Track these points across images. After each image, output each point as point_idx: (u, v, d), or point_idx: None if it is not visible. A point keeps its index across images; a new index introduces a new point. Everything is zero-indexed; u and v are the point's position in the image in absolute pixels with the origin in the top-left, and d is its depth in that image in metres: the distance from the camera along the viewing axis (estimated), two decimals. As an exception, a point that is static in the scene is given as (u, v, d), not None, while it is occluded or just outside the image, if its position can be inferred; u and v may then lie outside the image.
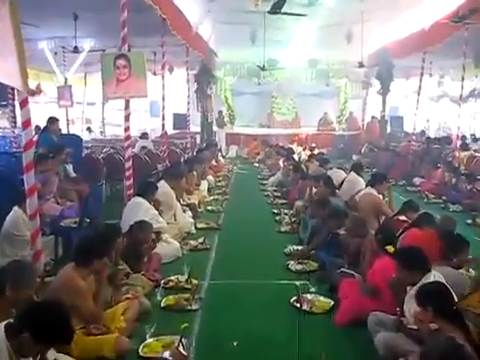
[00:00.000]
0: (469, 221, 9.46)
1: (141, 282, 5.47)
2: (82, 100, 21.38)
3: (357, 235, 5.71)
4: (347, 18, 16.18)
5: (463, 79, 12.73)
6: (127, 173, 8.39)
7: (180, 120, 18.21)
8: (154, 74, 17.85)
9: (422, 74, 15.40)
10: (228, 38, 17.79)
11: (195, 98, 19.57)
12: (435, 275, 4.08)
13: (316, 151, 16.11)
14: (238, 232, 8.67)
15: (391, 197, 7.89)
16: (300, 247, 7.38)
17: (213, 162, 15.74)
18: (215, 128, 21.37)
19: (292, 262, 6.72)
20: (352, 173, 9.72)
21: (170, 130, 20.14)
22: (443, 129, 23.41)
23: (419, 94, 15.65)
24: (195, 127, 19.74)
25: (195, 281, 5.78)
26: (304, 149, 17.68)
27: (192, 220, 8.73)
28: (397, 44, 16.68)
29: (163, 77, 11.85)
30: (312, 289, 5.70)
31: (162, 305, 5.33)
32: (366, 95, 22.75)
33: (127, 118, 8.26)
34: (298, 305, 5.24)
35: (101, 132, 22.47)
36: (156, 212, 6.84)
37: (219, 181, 13.89)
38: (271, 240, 8.16)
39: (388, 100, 19.48)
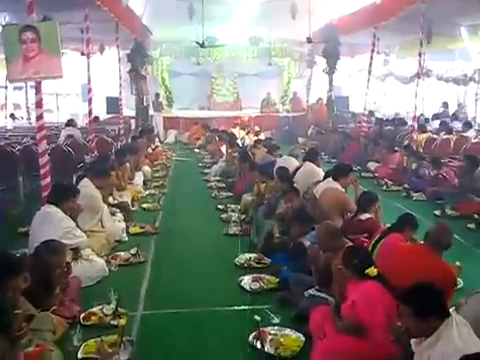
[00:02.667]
0: (437, 212, 8.51)
1: (51, 324, 4.10)
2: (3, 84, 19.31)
3: (329, 248, 4.54)
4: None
5: (421, 55, 11.76)
6: (42, 170, 6.94)
7: (114, 104, 16.63)
8: (82, 54, 16.10)
9: (373, 51, 14.40)
10: (163, 14, 16.23)
11: (129, 80, 17.99)
12: (457, 321, 2.94)
13: (262, 135, 14.88)
14: (179, 237, 7.35)
15: (357, 191, 6.74)
16: (253, 255, 6.17)
17: (149, 149, 14.30)
18: (152, 112, 19.81)
19: (246, 278, 5.50)
20: (307, 162, 8.56)
21: (103, 115, 18.61)
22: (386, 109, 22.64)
23: (370, 73, 14.73)
24: (131, 111, 18.21)
25: (123, 318, 4.43)
26: (248, 133, 16.43)
27: (123, 224, 7.35)
28: (345, 19, 15.64)
29: (88, 56, 10.32)
30: (275, 320, 4.49)
31: (79, 356, 4.00)
32: (311, 74, 21.68)
33: (39, 104, 6.79)
34: (259, 345, 4.05)
35: (28, 119, 20.45)
36: (72, 224, 5.41)
37: (156, 171, 12.50)
38: (218, 247, 6.91)
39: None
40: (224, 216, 8.20)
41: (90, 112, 10.37)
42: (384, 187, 10.55)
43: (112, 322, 4.48)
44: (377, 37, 14.45)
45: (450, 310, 3.11)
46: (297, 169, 8.82)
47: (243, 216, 8.06)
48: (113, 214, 7.27)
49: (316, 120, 19.02)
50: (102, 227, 6.68)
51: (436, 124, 13.99)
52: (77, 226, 5.60)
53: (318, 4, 15.80)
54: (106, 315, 4.59)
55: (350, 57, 20.61)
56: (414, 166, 10.59)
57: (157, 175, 11.98)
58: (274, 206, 6.77)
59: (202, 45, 13.09)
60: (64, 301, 4.57)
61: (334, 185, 6.65)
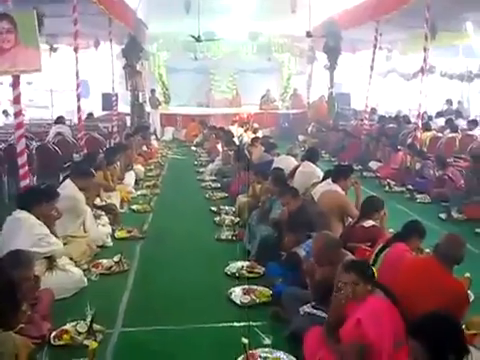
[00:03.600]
0: (443, 215, 8.05)
1: (12, 346, 3.62)
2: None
3: (327, 262, 4.07)
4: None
5: (425, 50, 11.23)
6: (21, 171, 6.51)
7: (110, 100, 16.16)
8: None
9: (376, 46, 13.90)
10: (159, 7, 15.74)
11: (124, 75, 17.52)
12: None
13: (260, 133, 14.39)
14: (167, 242, 6.85)
15: (359, 194, 6.26)
16: (246, 264, 5.70)
17: (144, 147, 13.84)
18: (148, 108, 19.32)
19: (237, 290, 5.03)
20: (306, 162, 8.10)
21: (99, 112, 18.17)
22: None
23: (372, 69, 14.21)
24: (127, 107, 17.76)
25: (97, 337, 3.97)
26: (246, 130, 15.95)
27: (109, 228, 6.88)
28: (347, 14, 15.12)
29: (77, 49, 9.83)
30: (266, 340, 4.03)
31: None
32: (311, 71, 21.18)
33: (17, 100, 6.35)
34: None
35: (23, 115, 19.86)
36: (45, 230, 4.91)
37: (150, 170, 12.05)
38: (208, 253, 6.41)
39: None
40: (217, 219, 7.74)
41: (79, 108, 9.89)
42: (386, 188, 10.08)
43: (85, 342, 4.02)
44: (379, 32, 13.93)
45: (470, 347, 2.63)
46: (295, 169, 8.38)
47: (237, 219, 7.61)
48: (98, 217, 6.81)
49: (316, 117, 18.53)
50: (84, 232, 6.23)
51: (440, 122, 13.50)
52: (53, 233, 5.12)
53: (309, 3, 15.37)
54: (79, 333, 4.13)
55: (351, 53, 20.09)
56: (418, 166, 10.11)
57: (150, 174, 11.53)
58: (268, 210, 6.30)
59: (198, 39, 12.63)
60: (33, 318, 4.10)
61: (333, 187, 6.18)
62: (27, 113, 21.05)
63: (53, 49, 18.05)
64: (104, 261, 5.79)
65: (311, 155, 8.27)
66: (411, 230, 4.59)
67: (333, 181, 6.25)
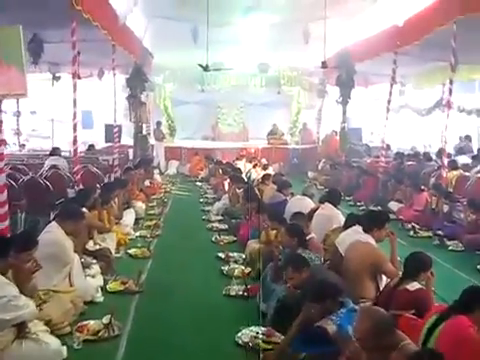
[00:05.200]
0: (480, 267, 7.09)
1: None
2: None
3: (378, 346, 3.09)
4: (305, 13, 13.73)
5: (452, 82, 10.38)
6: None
7: (113, 132, 15.39)
8: (78, 77, 14.97)
9: (394, 78, 13.12)
10: (166, 37, 15.07)
11: (129, 106, 16.81)
12: None
13: (270, 169, 13.48)
14: (167, 298, 5.86)
15: (394, 247, 5.30)
16: (261, 329, 4.72)
17: (147, 182, 12.96)
18: (152, 141, 18.56)
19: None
20: (327, 204, 7.18)
21: (102, 144, 17.42)
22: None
23: (389, 102, 13.40)
24: (131, 139, 17.03)
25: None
26: (254, 166, 15.07)
27: (100, 280, 5.93)
28: (361, 45, 14.38)
29: (74, 76, 9.05)
30: None
31: None
32: (321, 105, 20.43)
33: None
34: None
35: (23, 145, 19.17)
36: (13, 291, 3.94)
37: (152, 207, 11.15)
38: (216, 314, 5.41)
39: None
40: (225, 268, 6.76)
41: (75, 140, 9.00)
42: (411, 232, 9.12)
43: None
44: (392, 67, 13.16)
45: None
46: (313, 212, 7.46)
47: (248, 269, 6.65)
48: (87, 266, 5.84)
49: (327, 153, 17.74)
50: (70, 285, 5.28)
51: (463, 160, 12.57)
52: (29, 289, 4.18)
53: (330, 29, 14.63)
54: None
55: (364, 87, 19.35)
56: (446, 209, 9.17)
57: (152, 212, 10.63)
58: (282, 267, 5.31)
59: (206, 68, 11.86)
60: None
61: (365, 238, 5.22)
62: (29, 143, 20.54)
63: (56, 78, 17.51)
64: (91, 323, 4.80)
65: (332, 196, 7.37)
66: (474, 299, 3.63)
67: (365, 231, 5.29)
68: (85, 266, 5.77)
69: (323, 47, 13.49)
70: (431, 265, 4.46)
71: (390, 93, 13.32)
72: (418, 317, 4.05)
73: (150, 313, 5.41)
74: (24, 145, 19.18)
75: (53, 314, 4.56)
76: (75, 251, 5.52)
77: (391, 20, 12.17)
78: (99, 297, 5.58)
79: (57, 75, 17.45)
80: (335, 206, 7.17)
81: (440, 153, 13.93)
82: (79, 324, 4.79)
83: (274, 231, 6.67)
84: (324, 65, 11.98)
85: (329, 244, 6.43)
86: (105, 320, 4.76)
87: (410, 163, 13.19)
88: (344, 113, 16.71)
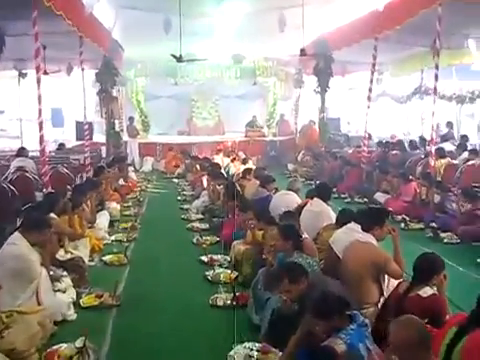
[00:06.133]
0: (480, 260, 6.69)
1: None
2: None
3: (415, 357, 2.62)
4: (280, 1, 13.19)
5: (437, 67, 10.00)
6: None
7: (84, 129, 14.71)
8: (45, 73, 14.26)
9: (374, 65, 12.67)
10: (136, 28, 14.38)
11: (99, 102, 16.13)
12: None
13: (250, 163, 12.92)
14: (147, 311, 5.30)
15: (397, 245, 4.80)
16: (256, 345, 4.21)
17: (121, 181, 12.33)
18: (126, 137, 17.88)
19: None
20: (316, 200, 6.70)
21: (74, 142, 16.68)
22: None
23: (371, 91, 12.96)
24: (103, 136, 16.33)
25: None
26: (233, 160, 14.52)
27: (72, 294, 5.34)
28: (339, 32, 13.90)
29: (38, 70, 8.41)
30: None
31: None
32: (299, 95, 19.95)
33: None
34: None
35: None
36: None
37: (127, 208, 10.55)
38: (202, 329, 4.86)
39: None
40: (209, 274, 6.22)
41: (42, 139, 8.35)
42: (402, 224, 8.70)
43: None
44: (373, 53, 12.69)
45: None
46: (301, 208, 6.98)
47: (235, 274, 6.12)
48: (58, 279, 5.24)
49: (306, 144, 17.25)
50: (38, 303, 4.69)
51: (447, 147, 12.19)
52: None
53: (307, 16, 14.12)
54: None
55: (341, 76, 18.91)
56: (437, 199, 8.77)
57: (127, 213, 10.02)
58: (276, 272, 4.80)
59: (179, 59, 11.22)
60: None
61: (365, 237, 4.73)
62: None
63: (22, 75, 16.73)
64: (63, 347, 4.21)
65: (321, 190, 6.89)
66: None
67: (364, 230, 4.80)
68: (55, 279, 5.17)
69: (301, 34, 13.02)
70: (444, 267, 4.00)
71: (371, 81, 12.85)
72: (432, 326, 3.59)
73: (129, 330, 4.84)
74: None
75: (17, 341, 3.96)
76: (42, 264, 4.91)
77: (371, 5, 11.73)
78: (71, 315, 4.98)
79: (23, 72, 16.66)
80: (325, 201, 6.69)
81: (423, 141, 13.68)
82: (48, 350, 4.20)
83: (261, 231, 6.17)
84: (303, 52, 11.46)
85: (321, 243, 5.96)
86: (78, 343, 4.18)
87: (394, 152, 12.78)
88: (323, 103, 16.27)
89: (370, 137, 15.82)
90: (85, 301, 5.34)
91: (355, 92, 22.52)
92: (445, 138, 13.76)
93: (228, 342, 4.32)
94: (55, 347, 4.25)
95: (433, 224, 8.29)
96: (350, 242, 4.77)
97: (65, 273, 5.47)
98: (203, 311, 5.24)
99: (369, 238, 4.70)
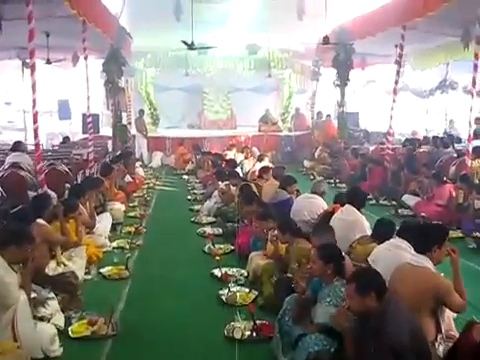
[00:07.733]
0: None
1: None
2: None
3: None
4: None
5: (477, 57, 9.00)
6: None
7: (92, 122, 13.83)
8: (48, 62, 13.49)
9: (401, 56, 11.63)
10: (145, 14, 13.51)
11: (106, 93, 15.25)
12: None
13: (266, 161, 11.94)
14: (149, 347, 4.34)
15: (457, 269, 3.85)
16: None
17: (127, 178, 11.45)
18: (134, 131, 17.01)
19: None
20: (348, 207, 5.77)
21: (80, 135, 15.86)
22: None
23: (396, 83, 11.95)
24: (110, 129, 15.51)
25: None
26: (246, 157, 13.58)
27: (61, 320, 4.43)
28: (362, 20, 12.89)
29: (32, 54, 7.52)
30: None
31: None
32: (315, 88, 18.96)
33: None
34: None
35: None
36: None
37: (133, 208, 9.68)
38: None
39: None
40: (224, 293, 5.30)
41: (36, 133, 7.46)
42: (437, 233, 7.73)
43: None
44: (400, 42, 11.66)
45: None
46: (329, 215, 6.07)
47: (253, 293, 5.22)
48: (42, 303, 4.34)
49: (324, 140, 16.28)
50: (14, 338, 3.79)
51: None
52: None
53: (329, 3, 13.15)
54: None
55: (361, 69, 17.90)
56: (479, 204, 7.80)
57: (132, 214, 9.14)
58: (312, 301, 3.88)
59: (191, 46, 10.31)
60: None
61: (420, 260, 3.80)
62: (2, 136, 19.01)
63: (26, 64, 15.89)
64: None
65: (355, 196, 5.93)
66: None
67: (418, 250, 3.87)
68: (39, 303, 4.28)
69: (320, 23, 12.10)
70: None
71: (397, 72, 11.85)
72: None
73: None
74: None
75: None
76: (22, 286, 4.02)
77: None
78: (55, 350, 4.03)
79: (27, 61, 15.81)
80: (358, 209, 5.76)
81: (452, 138, 12.69)
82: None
83: (285, 244, 5.26)
84: (326, 41, 10.46)
85: (355, 259, 5.04)
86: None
87: (422, 150, 11.79)
88: (342, 96, 15.27)
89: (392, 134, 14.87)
90: (75, 330, 4.42)
91: (373, 86, 21.62)
92: (476, 135, 12.71)
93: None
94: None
95: (477, 233, 7.32)
96: (399, 265, 3.83)
97: (52, 294, 4.54)
98: (217, 345, 4.31)
99: (425, 261, 3.78)
